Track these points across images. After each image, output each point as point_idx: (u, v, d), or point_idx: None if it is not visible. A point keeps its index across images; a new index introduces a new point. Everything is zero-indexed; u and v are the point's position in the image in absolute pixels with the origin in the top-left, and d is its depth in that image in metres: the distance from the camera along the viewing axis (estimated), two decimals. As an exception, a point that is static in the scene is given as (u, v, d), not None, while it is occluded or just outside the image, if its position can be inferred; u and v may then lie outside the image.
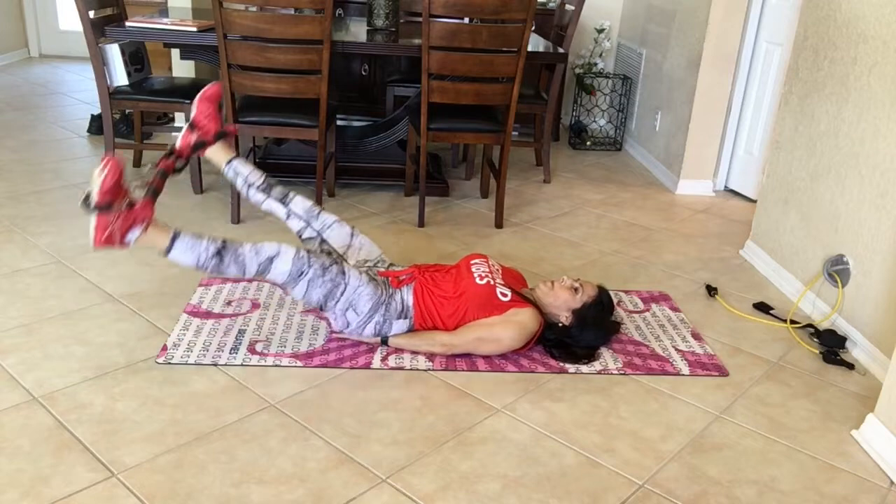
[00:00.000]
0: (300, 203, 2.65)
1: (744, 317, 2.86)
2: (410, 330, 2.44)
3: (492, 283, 2.43)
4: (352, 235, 2.63)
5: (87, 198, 2.15)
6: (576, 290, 2.46)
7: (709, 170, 4.28)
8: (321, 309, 2.39)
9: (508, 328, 2.36)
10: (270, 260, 2.26)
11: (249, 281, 2.25)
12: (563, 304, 2.46)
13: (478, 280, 2.43)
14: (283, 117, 3.34)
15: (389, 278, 2.46)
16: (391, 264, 2.62)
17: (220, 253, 2.25)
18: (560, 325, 2.47)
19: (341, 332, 2.45)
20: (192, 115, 2.60)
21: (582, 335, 2.47)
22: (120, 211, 2.17)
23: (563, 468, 1.96)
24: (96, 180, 2.13)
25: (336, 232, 2.62)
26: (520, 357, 2.44)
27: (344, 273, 2.34)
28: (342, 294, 2.34)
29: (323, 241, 2.62)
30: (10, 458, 1.85)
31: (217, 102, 2.61)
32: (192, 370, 2.26)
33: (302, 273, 2.29)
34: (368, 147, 3.89)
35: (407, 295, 2.42)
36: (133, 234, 2.20)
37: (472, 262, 2.54)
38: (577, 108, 5.26)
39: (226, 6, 3.07)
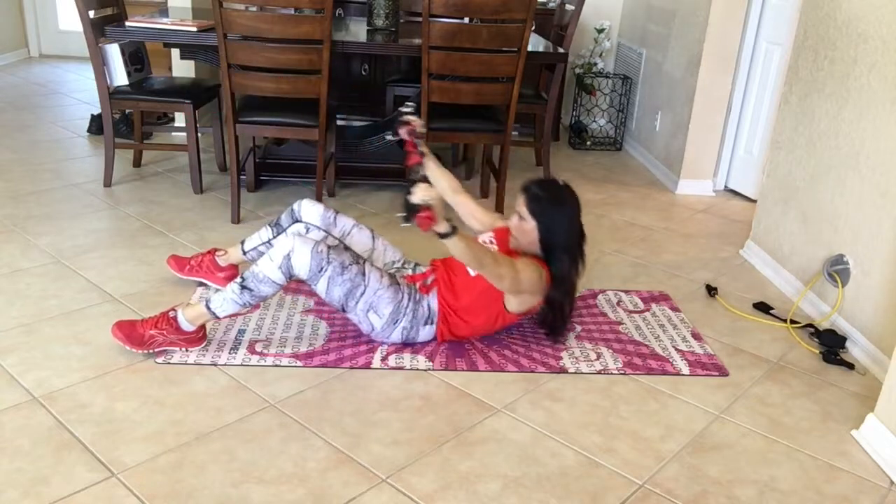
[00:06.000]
0: (311, 210, 2.61)
1: (744, 317, 2.86)
2: (434, 338, 2.45)
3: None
4: (373, 238, 2.63)
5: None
6: (520, 217, 2.43)
7: (709, 170, 4.28)
8: (344, 311, 2.37)
9: (522, 262, 2.35)
10: (287, 257, 2.25)
11: (285, 287, 2.27)
12: (525, 235, 2.43)
13: None
14: (283, 117, 3.34)
15: (418, 284, 2.46)
16: (416, 265, 2.61)
17: (243, 285, 2.27)
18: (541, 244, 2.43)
19: (370, 335, 2.44)
20: None
21: (555, 227, 2.41)
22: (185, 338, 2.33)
23: (563, 468, 1.96)
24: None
25: (357, 238, 2.61)
26: (520, 357, 2.44)
27: (364, 274, 2.34)
28: (362, 295, 2.33)
29: (346, 248, 2.56)
30: (10, 458, 1.85)
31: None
32: (192, 370, 2.26)
33: (322, 269, 2.27)
34: (368, 147, 3.89)
35: (433, 300, 2.42)
36: (171, 348, 2.34)
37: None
38: (577, 108, 5.25)
39: (226, 6, 3.07)
